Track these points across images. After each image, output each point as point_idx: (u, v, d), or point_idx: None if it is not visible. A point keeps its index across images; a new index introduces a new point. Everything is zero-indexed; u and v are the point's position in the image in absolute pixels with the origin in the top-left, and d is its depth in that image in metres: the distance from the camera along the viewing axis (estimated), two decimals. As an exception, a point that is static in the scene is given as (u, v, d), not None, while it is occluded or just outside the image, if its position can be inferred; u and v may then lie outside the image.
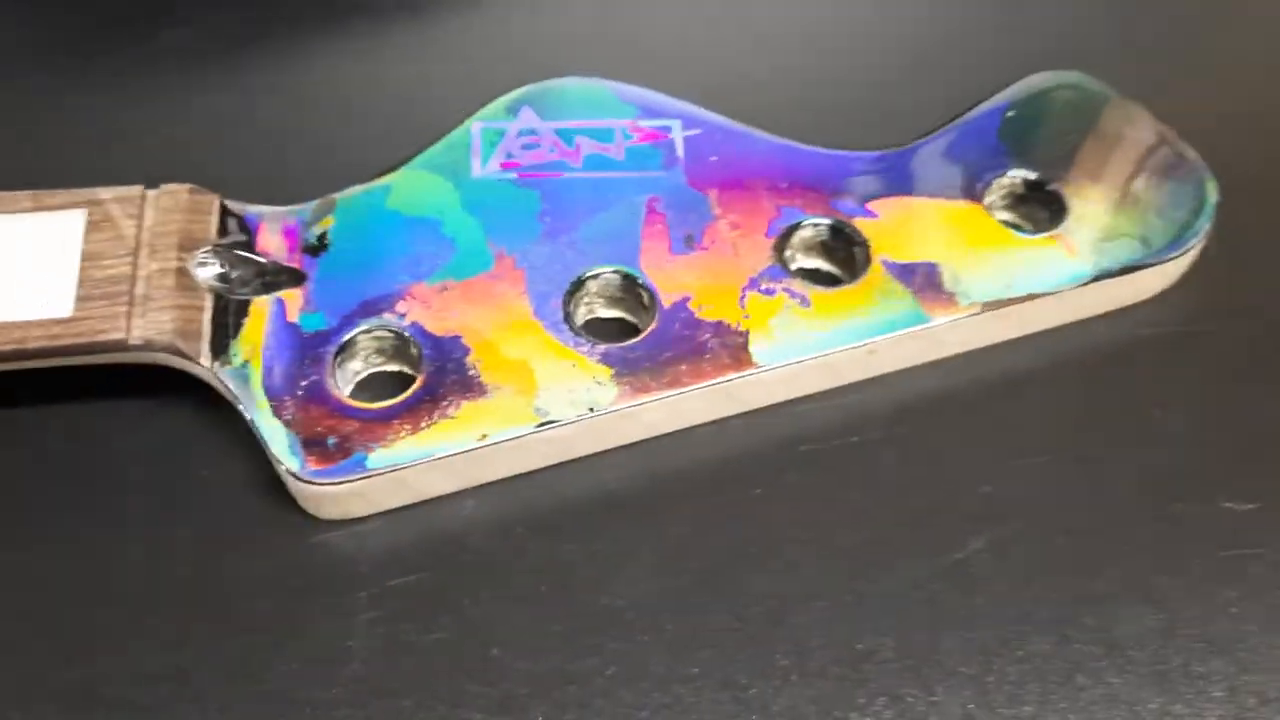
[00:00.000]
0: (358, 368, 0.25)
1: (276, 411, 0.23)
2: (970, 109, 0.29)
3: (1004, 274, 0.26)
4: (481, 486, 0.24)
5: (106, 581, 0.23)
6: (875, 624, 0.23)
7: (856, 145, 0.28)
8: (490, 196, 0.27)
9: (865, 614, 0.23)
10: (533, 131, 0.28)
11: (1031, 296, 0.26)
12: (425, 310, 0.25)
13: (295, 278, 0.25)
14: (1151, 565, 0.23)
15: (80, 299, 0.24)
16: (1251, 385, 0.26)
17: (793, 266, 0.27)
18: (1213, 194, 0.27)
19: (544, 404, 0.24)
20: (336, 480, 0.23)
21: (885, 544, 0.24)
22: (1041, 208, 0.28)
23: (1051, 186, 0.28)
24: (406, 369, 0.25)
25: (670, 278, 0.26)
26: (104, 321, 0.23)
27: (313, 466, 0.23)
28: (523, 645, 0.22)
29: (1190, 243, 0.27)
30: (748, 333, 0.25)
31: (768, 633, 0.23)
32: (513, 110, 0.29)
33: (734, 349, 0.25)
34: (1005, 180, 0.28)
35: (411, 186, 0.27)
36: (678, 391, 0.24)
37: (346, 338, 0.25)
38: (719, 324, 0.25)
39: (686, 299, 0.26)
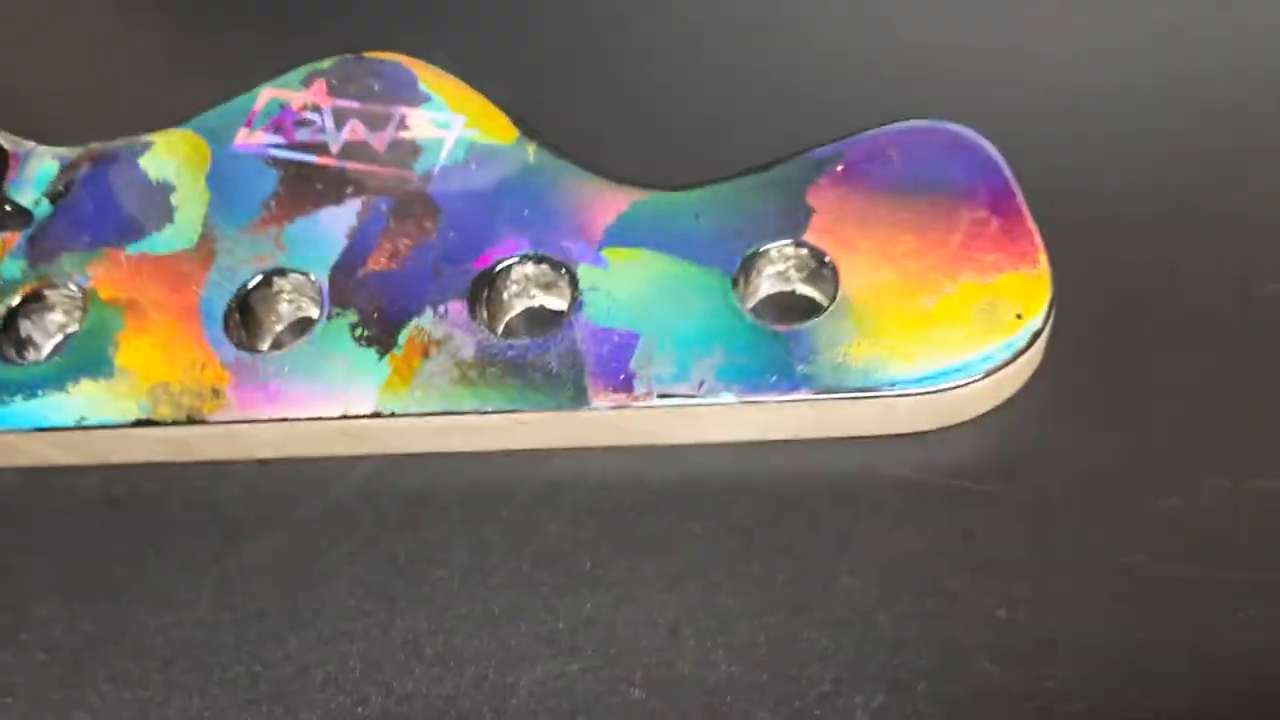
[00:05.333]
0: (60, 320, 0.25)
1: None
2: (798, 153, 0.24)
3: (706, 365, 0.21)
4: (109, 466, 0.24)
5: None
6: None
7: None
8: (236, 170, 0.26)
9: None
10: (315, 108, 0.27)
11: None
12: (109, 278, 0.25)
13: (22, 220, 0.26)
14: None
15: None
16: (983, 582, 0.20)
17: (482, 306, 0.23)
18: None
19: (152, 401, 0.23)
20: (-56, 429, 0.23)
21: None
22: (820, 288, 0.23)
23: (830, 261, 0.22)
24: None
25: (350, 293, 0.24)
26: None
27: (-70, 411, 0.23)
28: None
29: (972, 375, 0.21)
30: (388, 371, 0.22)
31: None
32: (307, 81, 0.27)
33: (364, 386, 0.22)
34: (787, 250, 0.23)
35: (173, 147, 0.27)
36: (285, 418, 0.22)
37: (22, 291, 0.25)
38: (364, 354, 0.23)
39: (349, 320, 0.23)
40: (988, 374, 0.21)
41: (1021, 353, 0.21)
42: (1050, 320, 0.21)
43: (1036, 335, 0.21)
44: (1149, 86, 0.27)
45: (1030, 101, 0.27)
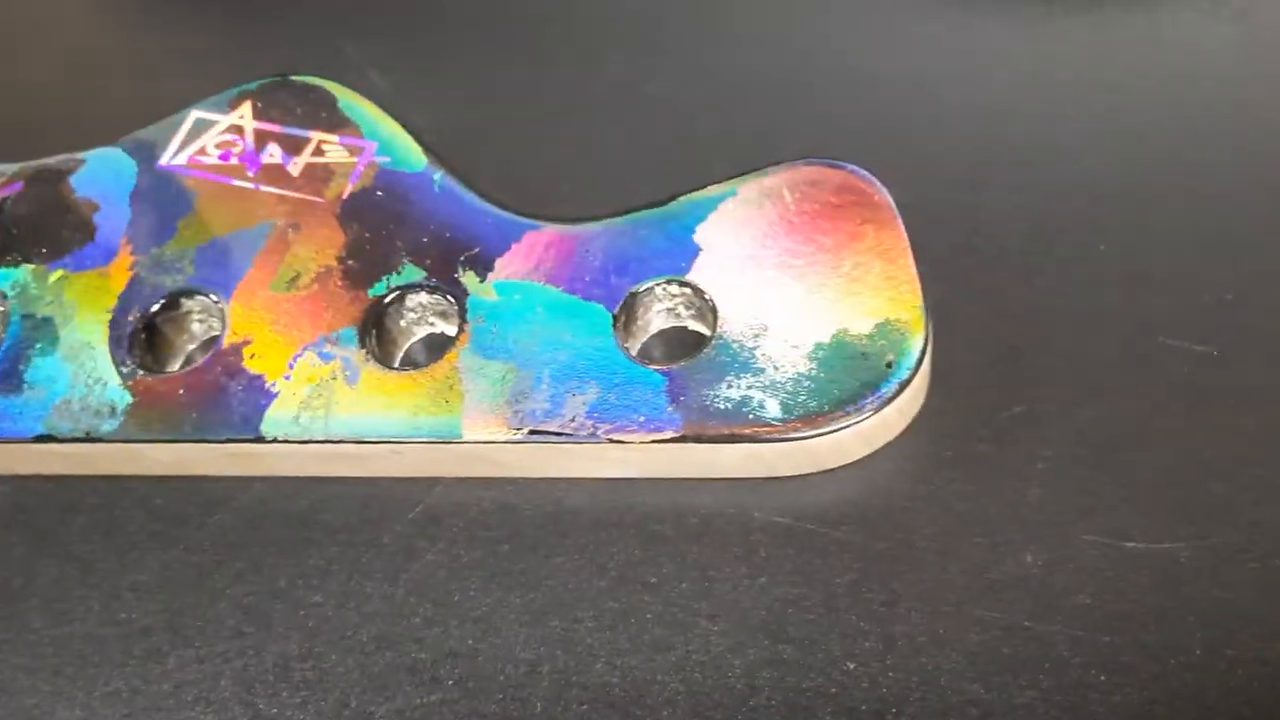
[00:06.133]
0: (-7, 334, 0.26)
1: None
2: (693, 190, 0.24)
3: (579, 401, 0.22)
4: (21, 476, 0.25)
5: None
6: None
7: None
8: (157, 190, 0.27)
9: None
10: (238, 129, 0.27)
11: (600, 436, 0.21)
12: (31, 294, 0.25)
13: (-46, 235, 0.27)
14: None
15: None
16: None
17: (371, 334, 0.24)
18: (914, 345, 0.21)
19: (55, 416, 0.24)
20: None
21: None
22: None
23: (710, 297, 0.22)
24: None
25: (249, 315, 0.24)
26: None
27: None
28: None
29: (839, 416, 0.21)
30: (276, 396, 0.23)
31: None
32: (234, 103, 0.28)
33: (248, 411, 0.23)
34: (672, 288, 0.23)
35: (104, 165, 0.27)
36: (177, 440, 0.23)
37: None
38: (256, 379, 0.23)
39: (247, 343, 0.24)
40: (855, 422, 0.21)
41: (889, 401, 0.21)
42: (921, 370, 0.21)
43: (905, 385, 0.21)
44: (1053, 130, 0.27)
45: (949, 136, 0.27)
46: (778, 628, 0.20)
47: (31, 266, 0.26)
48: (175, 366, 0.25)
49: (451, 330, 0.25)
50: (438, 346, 0.25)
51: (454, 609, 0.22)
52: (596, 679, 0.20)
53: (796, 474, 0.22)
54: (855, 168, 0.23)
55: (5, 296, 0.25)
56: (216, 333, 0.26)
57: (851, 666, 0.20)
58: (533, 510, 0.23)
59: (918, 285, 0.22)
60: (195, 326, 0.25)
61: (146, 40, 0.34)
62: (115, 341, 0.24)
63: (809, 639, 0.20)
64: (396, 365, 0.24)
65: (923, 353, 0.21)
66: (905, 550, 0.21)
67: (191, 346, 0.26)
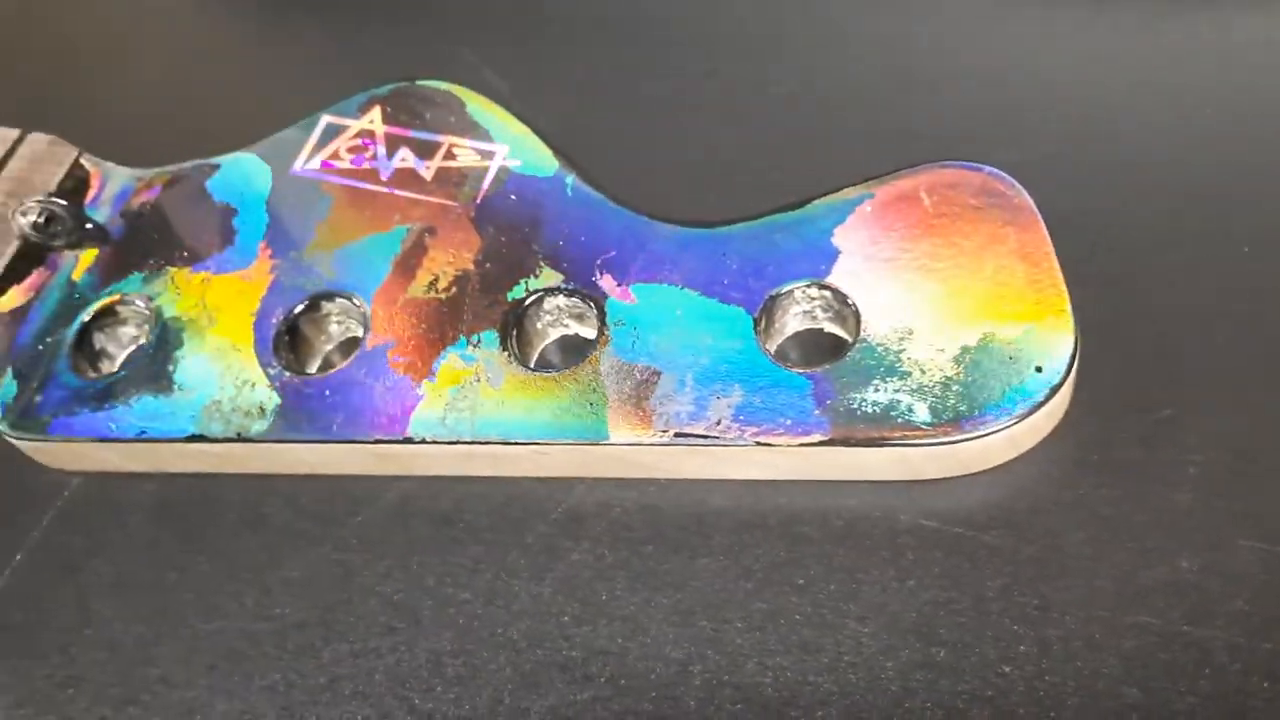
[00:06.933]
0: (133, 333, 0.27)
1: (13, 360, 0.26)
2: (828, 193, 0.24)
3: (724, 404, 0.22)
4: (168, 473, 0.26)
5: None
6: None
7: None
8: (292, 195, 0.27)
9: None
10: (369, 134, 0.28)
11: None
12: (175, 295, 0.26)
13: (100, 238, 0.28)
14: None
15: (-71, 225, 0.28)
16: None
17: (512, 337, 0.24)
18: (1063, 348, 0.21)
19: (206, 417, 0.24)
20: (21, 437, 0.25)
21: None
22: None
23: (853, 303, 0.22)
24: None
25: (391, 319, 0.25)
26: (-73, 249, 0.27)
27: (9, 419, 0.25)
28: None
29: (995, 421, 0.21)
30: (421, 398, 0.23)
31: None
32: (364, 108, 0.28)
33: (395, 413, 0.23)
34: (811, 291, 0.23)
35: (239, 170, 0.28)
36: (325, 440, 0.23)
37: (96, 306, 0.26)
38: (401, 381, 0.24)
39: (390, 345, 0.24)
40: (1005, 427, 0.21)
41: (1039, 406, 0.21)
42: (1072, 374, 0.21)
43: (1055, 389, 0.21)
44: (1193, 129, 0.26)
45: (1067, 144, 0.26)
46: (929, 630, 0.20)
47: (174, 270, 0.26)
48: (313, 367, 0.26)
49: (585, 332, 0.25)
50: (572, 348, 0.25)
51: (601, 608, 0.22)
52: (748, 679, 0.21)
53: (941, 477, 0.22)
54: (994, 169, 0.23)
55: (151, 299, 0.26)
56: (353, 334, 0.26)
57: (1007, 670, 0.20)
58: (675, 511, 0.23)
59: (1064, 288, 0.22)
60: (333, 328, 0.26)
61: (262, 48, 0.35)
62: (260, 343, 0.25)
63: (962, 642, 0.20)
64: (532, 367, 0.24)
65: (1073, 357, 0.21)
66: (1054, 555, 0.21)
67: (329, 347, 0.26)
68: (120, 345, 0.27)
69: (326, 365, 0.26)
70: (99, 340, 0.27)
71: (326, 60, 0.33)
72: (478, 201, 0.26)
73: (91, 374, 0.26)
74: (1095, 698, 0.19)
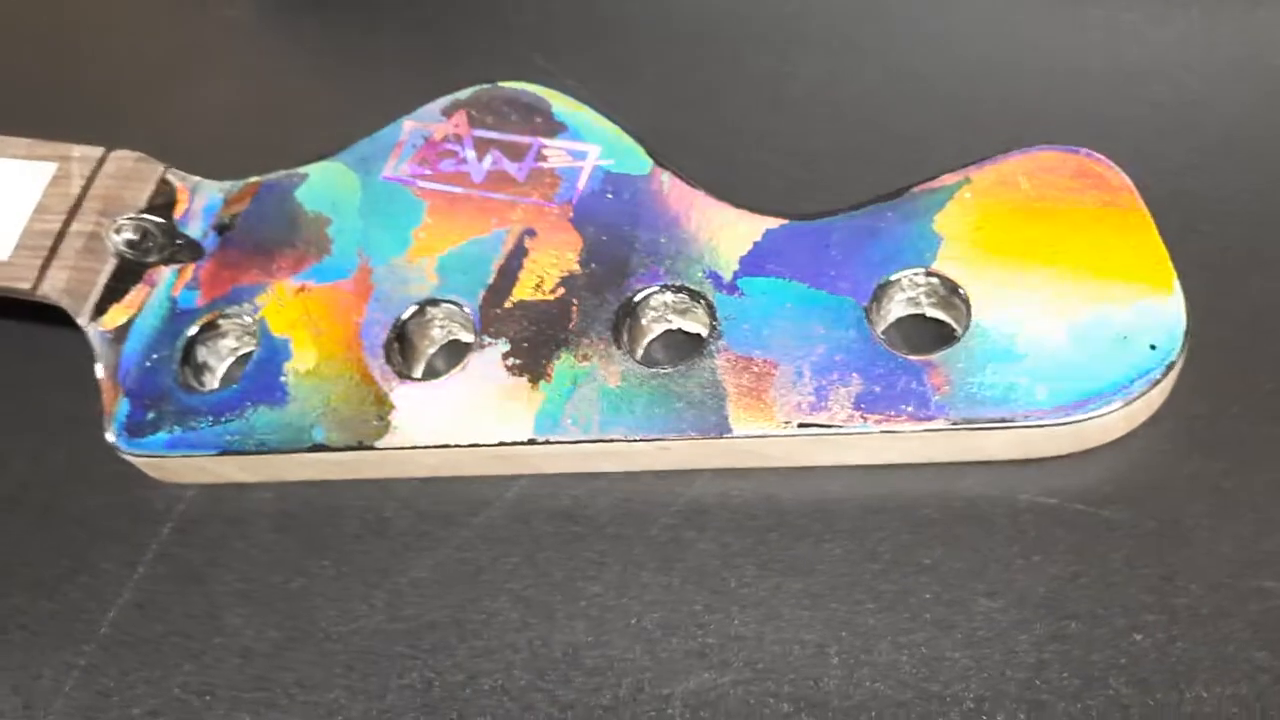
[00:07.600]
0: (232, 345, 0.27)
1: (122, 378, 0.26)
2: (926, 180, 0.25)
3: (844, 394, 0.22)
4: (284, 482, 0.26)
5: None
6: None
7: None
8: (385, 201, 0.27)
9: None
10: (456, 138, 0.28)
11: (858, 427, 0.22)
12: (277, 307, 0.26)
13: (194, 253, 0.28)
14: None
15: (18, 246, 0.28)
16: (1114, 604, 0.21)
17: (625, 335, 0.25)
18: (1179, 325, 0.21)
19: (325, 426, 0.25)
20: (138, 453, 0.25)
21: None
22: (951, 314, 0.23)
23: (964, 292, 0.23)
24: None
25: (497, 321, 0.25)
26: (22, 270, 0.27)
27: (125, 437, 0.25)
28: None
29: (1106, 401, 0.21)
30: (541, 398, 0.24)
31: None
32: (447, 112, 0.28)
33: (515, 412, 0.24)
34: (918, 278, 0.24)
35: (327, 179, 0.28)
36: (446, 445, 0.24)
37: (200, 322, 0.27)
38: (517, 382, 0.24)
39: (500, 347, 0.25)
40: (1125, 404, 0.21)
41: (1157, 383, 0.21)
42: (1185, 350, 0.22)
43: (1171, 366, 0.21)
44: (1266, 115, 0.27)
45: (1161, 125, 0.27)
46: (1058, 604, 0.21)
47: (273, 281, 0.27)
48: (418, 372, 0.26)
49: (689, 327, 0.26)
50: (676, 344, 0.26)
51: (732, 595, 0.23)
52: (884, 658, 0.21)
53: (1057, 455, 0.22)
54: (1090, 151, 0.24)
55: (255, 309, 0.26)
56: (455, 337, 0.27)
57: (1138, 638, 0.21)
58: (795, 499, 0.23)
59: (1170, 266, 0.22)
60: (435, 332, 0.26)
61: (324, 58, 0.35)
62: (369, 350, 0.25)
63: (1091, 614, 0.21)
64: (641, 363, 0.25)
65: (1186, 333, 0.22)
66: (1174, 527, 0.22)
67: (431, 351, 0.27)
68: (220, 358, 0.27)
69: (430, 370, 0.26)
70: (200, 354, 0.27)
71: (392, 69, 0.33)
72: (574, 202, 0.26)
73: (199, 388, 0.26)
74: (1225, 661, 0.20)
